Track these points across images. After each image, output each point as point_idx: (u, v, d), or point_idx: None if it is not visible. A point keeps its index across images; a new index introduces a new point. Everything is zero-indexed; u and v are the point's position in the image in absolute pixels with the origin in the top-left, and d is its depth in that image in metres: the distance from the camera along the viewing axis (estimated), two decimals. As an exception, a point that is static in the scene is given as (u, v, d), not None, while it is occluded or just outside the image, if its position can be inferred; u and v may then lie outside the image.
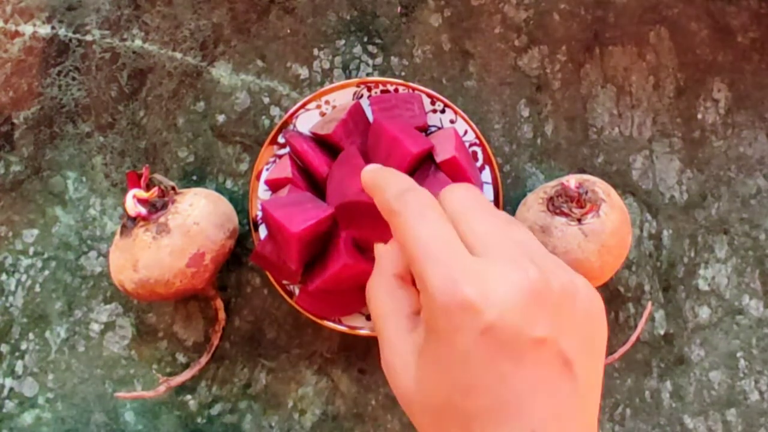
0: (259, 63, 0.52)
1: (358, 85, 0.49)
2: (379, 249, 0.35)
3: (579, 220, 0.43)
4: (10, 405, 0.50)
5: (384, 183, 0.34)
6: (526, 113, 0.52)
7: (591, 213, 0.43)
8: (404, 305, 0.32)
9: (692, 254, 0.51)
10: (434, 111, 0.49)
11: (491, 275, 0.28)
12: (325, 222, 0.43)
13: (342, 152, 0.47)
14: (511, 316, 0.27)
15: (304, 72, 0.52)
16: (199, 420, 0.50)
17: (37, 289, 0.51)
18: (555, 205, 0.43)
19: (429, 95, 0.48)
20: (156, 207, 0.45)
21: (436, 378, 0.29)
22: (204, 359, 0.49)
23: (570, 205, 0.43)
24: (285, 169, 0.48)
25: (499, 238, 0.30)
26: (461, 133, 0.48)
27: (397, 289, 0.33)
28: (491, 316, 0.27)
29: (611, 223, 0.43)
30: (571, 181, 0.43)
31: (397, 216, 0.32)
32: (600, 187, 0.44)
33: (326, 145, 0.48)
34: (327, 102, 0.49)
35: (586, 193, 0.43)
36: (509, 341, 0.27)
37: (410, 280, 0.34)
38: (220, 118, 0.52)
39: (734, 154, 0.52)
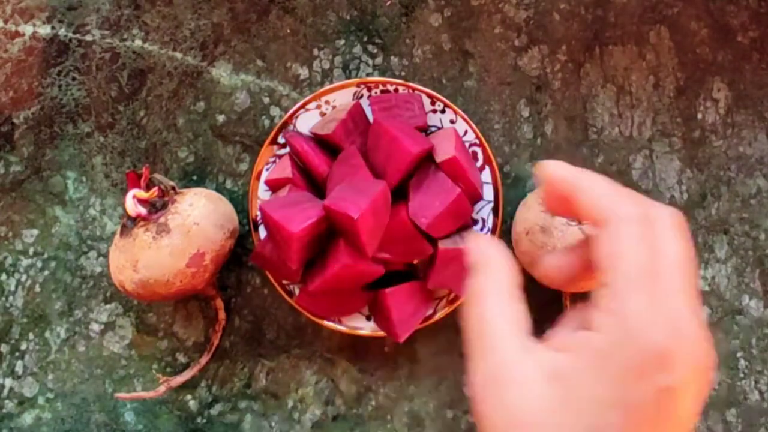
0: (259, 63, 0.52)
1: (358, 85, 0.49)
2: (487, 252, 0.31)
3: (579, 220, 0.42)
4: (10, 405, 0.50)
5: (602, 192, 0.30)
6: (526, 113, 0.52)
7: None
8: (522, 322, 0.29)
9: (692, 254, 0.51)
10: (434, 111, 0.49)
11: (699, 340, 0.27)
12: (324, 222, 0.43)
13: (342, 152, 0.47)
14: (691, 388, 0.26)
15: (304, 72, 0.52)
16: (199, 420, 0.50)
17: (37, 289, 0.51)
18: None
19: (429, 95, 0.48)
20: (156, 207, 0.45)
21: (584, 412, 0.26)
22: (204, 359, 0.49)
23: None
24: (285, 169, 0.48)
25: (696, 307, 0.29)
26: (461, 133, 0.48)
27: (514, 301, 0.30)
28: (678, 380, 0.26)
29: None
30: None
31: (611, 224, 0.29)
32: None
33: (326, 145, 0.48)
34: (327, 102, 0.49)
35: None
36: (675, 412, 0.26)
37: (519, 293, 0.31)
38: (220, 118, 0.52)
39: (734, 153, 0.52)
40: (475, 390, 0.28)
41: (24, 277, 0.51)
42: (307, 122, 0.49)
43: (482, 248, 0.31)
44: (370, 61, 0.52)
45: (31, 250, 0.51)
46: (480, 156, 0.49)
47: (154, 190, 0.45)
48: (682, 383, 0.26)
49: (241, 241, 0.50)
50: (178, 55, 0.52)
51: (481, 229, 0.49)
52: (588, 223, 0.30)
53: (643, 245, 0.27)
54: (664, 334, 0.26)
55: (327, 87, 0.49)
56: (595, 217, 0.29)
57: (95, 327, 0.51)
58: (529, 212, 0.45)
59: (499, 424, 0.27)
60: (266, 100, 0.52)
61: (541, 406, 0.27)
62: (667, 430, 0.26)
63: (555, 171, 0.31)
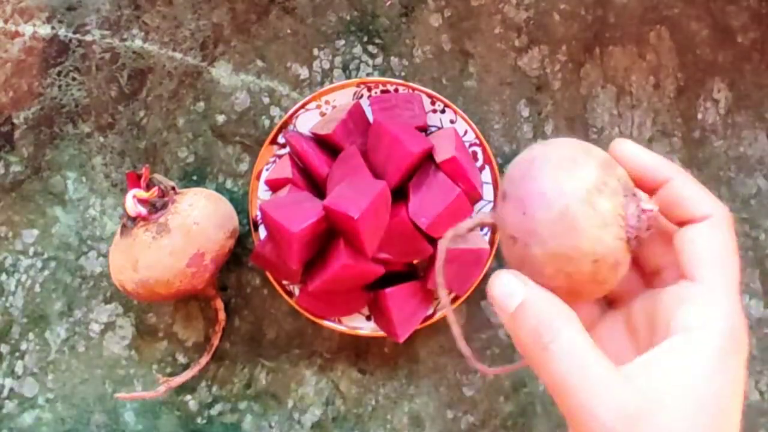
0: (259, 63, 0.52)
1: (358, 85, 0.49)
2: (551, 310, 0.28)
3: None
4: (10, 405, 0.50)
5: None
6: (526, 113, 0.52)
7: None
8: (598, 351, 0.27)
9: (692, 254, 0.51)
10: (434, 111, 0.49)
11: None
12: (324, 222, 0.43)
13: (342, 152, 0.47)
14: None
15: (304, 72, 0.52)
16: (199, 420, 0.50)
17: (37, 289, 0.51)
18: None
19: (429, 95, 0.48)
20: (156, 207, 0.45)
21: (729, 404, 0.26)
22: (204, 359, 0.49)
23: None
24: (285, 169, 0.48)
25: None
26: (461, 133, 0.48)
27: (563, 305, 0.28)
28: None
29: None
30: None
31: (715, 220, 0.29)
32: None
33: (326, 145, 0.48)
34: (327, 102, 0.49)
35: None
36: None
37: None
38: (220, 118, 0.52)
39: (734, 154, 0.52)
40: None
41: (24, 277, 0.51)
42: (307, 122, 0.49)
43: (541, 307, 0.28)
44: (370, 61, 0.52)
45: (31, 250, 0.51)
46: (480, 156, 0.49)
47: (154, 190, 0.45)
48: None
49: (241, 241, 0.50)
50: (178, 55, 0.52)
51: (481, 230, 0.49)
52: (676, 214, 0.29)
53: (735, 245, 0.28)
54: (746, 326, 0.28)
55: (327, 87, 0.49)
56: (693, 212, 0.28)
57: (95, 327, 0.51)
58: None
59: None
60: (266, 100, 0.52)
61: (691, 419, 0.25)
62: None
63: (640, 155, 0.30)
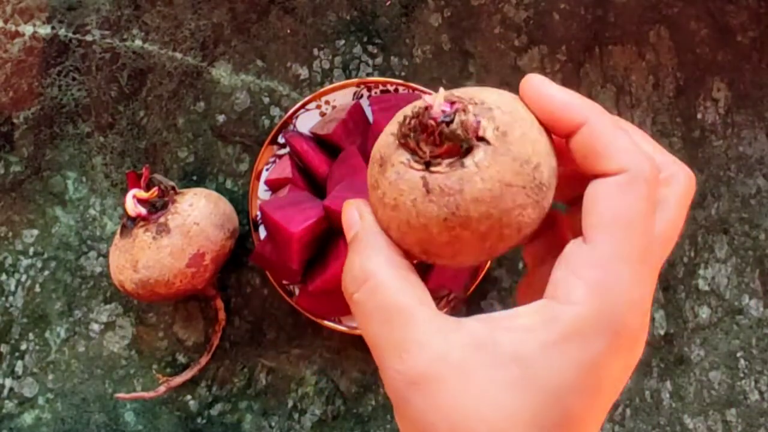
0: (259, 63, 0.52)
1: (358, 85, 0.49)
2: (365, 219, 0.26)
3: (427, 164, 0.25)
4: (10, 405, 0.50)
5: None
6: (526, 113, 0.52)
7: (450, 158, 0.24)
8: (428, 296, 0.24)
9: (692, 254, 0.51)
10: (434, 111, 0.49)
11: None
12: (324, 222, 0.43)
13: (342, 152, 0.47)
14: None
15: (304, 72, 0.52)
16: (199, 420, 0.50)
17: (37, 289, 0.51)
18: (403, 131, 0.26)
19: (429, 95, 0.48)
20: (156, 207, 0.45)
21: (545, 399, 0.22)
22: (204, 359, 0.49)
23: (420, 136, 0.25)
24: (285, 169, 0.48)
25: None
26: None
27: (410, 274, 0.24)
28: (635, 362, 0.23)
29: (481, 183, 0.24)
30: (438, 97, 0.25)
31: (626, 179, 0.24)
32: (494, 116, 0.25)
33: (326, 145, 0.48)
34: (327, 102, 0.49)
35: (452, 122, 0.25)
36: (621, 388, 0.24)
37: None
38: (220, 118, 0.52)
39: (734, 154, 0.52)
40: (394, 388, 0.23)
41: (24, 277, 0.51)
42: (307, 122, 0.49)
43: (357, 212, 0.26)
44: (370, 61, 0.52)
45: (31, 250, 0.51)
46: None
47: (154, 190, 0.45)
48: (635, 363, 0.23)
49: (241, 241, 0.50)
50: (178, 55, 0.52)
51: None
52: (588, 166, 0.24)
53: (648, 211, 0.23)
54: (640, 319, 0.22)
55: (327, 87, 0.49)
56: (604, 165, 0.23)
57: (95, 327, 0.51)
58: (382, 134, 0.28)
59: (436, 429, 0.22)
60: (266, 100, 0.52)
61: (493, 402, 0.22)
62: (610, 402, 0.23)
63: (548, 91, 0.25)
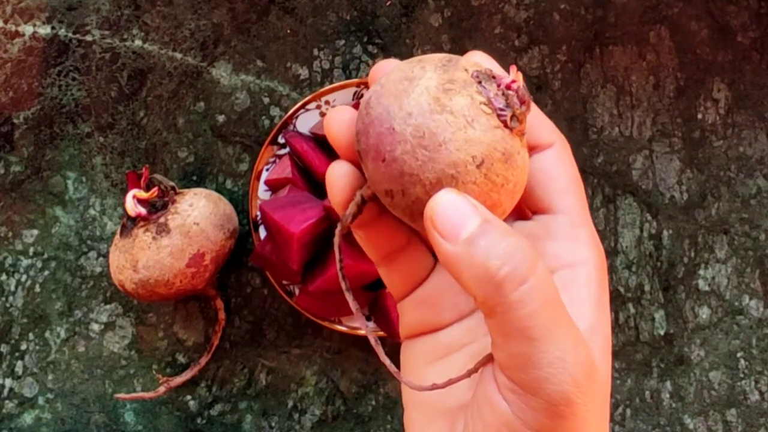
0: (259, 63, 0.52)
1: (358, 85, 0.49)
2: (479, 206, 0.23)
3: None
4: (10, 405, 0.50)
5: None
6: (526, 113, 0.52)
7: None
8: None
9: (692, 254, 0.51)
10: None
11: None
12: (324, 222, 0.43)
13: (342, 152, 0.47)
14: None
15: (304, 72, 0.52)
16: (199, 420, 0.50)
17: (37, 289, 0.51)
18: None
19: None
20: (156, 207, 0.45)
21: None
22: (204, 359, 0.49)
23: (521, 108, 0.25)
24: (285, 169, 0.48)
25: None
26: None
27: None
28: None
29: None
30: (519, 76, 0.25)
31: (558, 148, 0.27)
32: None
33: (326, 145, 0.48)
34: (327, 102, 0.49)
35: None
36: None
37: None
38: (220, 118, 0.52)
39: (734, 154, 0.52)
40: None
41: (24, 277, 0.51)
42: (307, 122, 0.49)
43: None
44: (370, 61, 0.52)
45: (31, 250, 0.51)
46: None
47: (154, 190, 0.45)
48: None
49: (241, 241, 0.50)
50: (178, 55, 0.52)
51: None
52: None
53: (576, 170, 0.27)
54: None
55: (327, 87, 0.49)
56: (539, 138, 0.26)
57: (95, 327, 0.51)
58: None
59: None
60: (266, 100, 0.52)
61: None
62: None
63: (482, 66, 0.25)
